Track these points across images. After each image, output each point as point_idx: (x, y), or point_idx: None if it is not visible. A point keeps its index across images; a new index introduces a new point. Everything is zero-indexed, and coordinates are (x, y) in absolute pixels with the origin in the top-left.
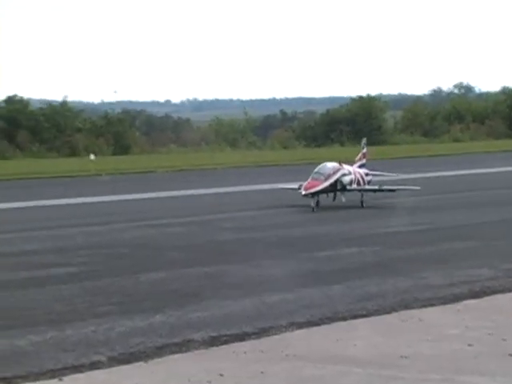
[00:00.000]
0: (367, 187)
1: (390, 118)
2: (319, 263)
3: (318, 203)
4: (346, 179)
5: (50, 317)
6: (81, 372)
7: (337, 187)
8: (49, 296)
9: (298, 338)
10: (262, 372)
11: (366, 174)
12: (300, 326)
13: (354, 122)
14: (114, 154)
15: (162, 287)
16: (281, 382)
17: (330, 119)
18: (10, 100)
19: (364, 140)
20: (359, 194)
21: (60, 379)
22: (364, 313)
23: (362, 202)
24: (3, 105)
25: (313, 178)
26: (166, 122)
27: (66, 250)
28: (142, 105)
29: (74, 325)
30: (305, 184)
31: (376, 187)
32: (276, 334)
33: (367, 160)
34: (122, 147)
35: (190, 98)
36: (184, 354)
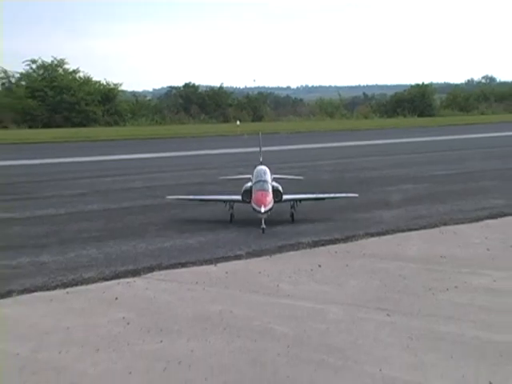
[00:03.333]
0: (305, 196)
1: (438, 99)
2: (388, 194)
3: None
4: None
5: (209, 226)
6: (227, 261)
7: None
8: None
9: (371, 243)
10: (346, 265)
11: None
12: (373, 235)
13: (413, 101)
14: (253, 121)
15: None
16: (360, 270)
17: (396, 99)
18: (186, 85)
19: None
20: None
21: (215, 265)
22: (417, 227)
23: (292, 215)
24: (182, 88)
25: (261, 189)
26: (287, 101)
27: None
28: (271, 89)
29: (221, 231)
30: (257, 196)
31: (315, 196)
32: (357, 240)
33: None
34: (257, 117)
35: (303, 84)
36: (296, 252)
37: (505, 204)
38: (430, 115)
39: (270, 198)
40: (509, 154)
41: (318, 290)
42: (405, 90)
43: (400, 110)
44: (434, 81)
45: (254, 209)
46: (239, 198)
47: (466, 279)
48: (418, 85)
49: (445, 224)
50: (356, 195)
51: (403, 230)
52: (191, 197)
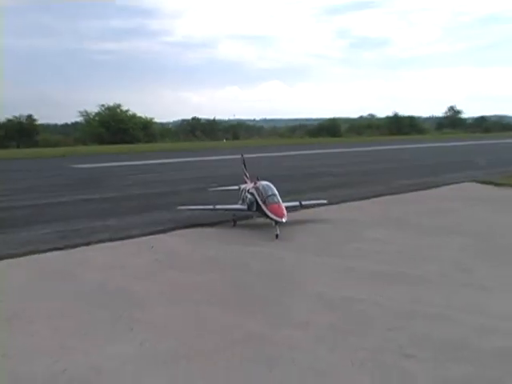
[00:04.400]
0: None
1: (342, 127)
2: (318, 183)
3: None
4: None
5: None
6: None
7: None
8: None
9: (309, 213)
10: (298, 227)
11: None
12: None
13: (328, 128)
14: (233, 139)
15: None
16: (303, 231)
17: (319, 127)
18: (193, 118)
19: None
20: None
21: (212, 227)
22: (334, 202)
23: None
24: (190, 120)
25: (276, 201)
26: (253, 127)
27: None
28: (243, 120)
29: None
30: (274, 208)
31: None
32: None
33: None
34: (236, 137)
35: (264, 117)
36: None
37: (384, 189)
38: (338, 136)
39: (284, 209)
40: (387, 159)
41: (280, 244)
42: (324, 121)
43: (322, 133)
44: (341, 116)
45: (270, 218)
46: (244, 207)
47: (365, 234)
48: (331, 118)
49: (351, 200)
50: (325, 201)
51: (329, 204)
52: (201, 207)
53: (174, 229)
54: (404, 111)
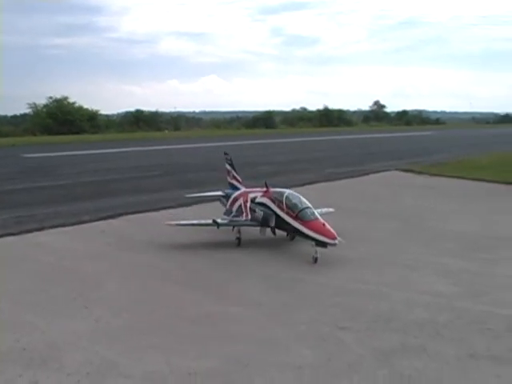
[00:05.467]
0: None
1: (277, 119)
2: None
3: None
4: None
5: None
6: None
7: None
8: None
9: None
10: None
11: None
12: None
13: (264, 120)
14: (174, 130)
15: None
16: None
17: (254, 119)
18: (137, 110)
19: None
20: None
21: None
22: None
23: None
24: (134, 112)
25: (316, 217)
26: (193, 119)
27: None
28: (184, 112)
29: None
30: (318, 227)
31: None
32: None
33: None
34: (177, 128)
35: (203, 109)
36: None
37: (317, 177)
38: (273, 128)
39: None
40: (318, 149)
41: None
42: (259, 114)
43: (257, 124)
44: (275, 108)
45: (312, 239)
46: (253, 223)
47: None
48: (266, 111)
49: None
50: (332, 210)
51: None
52: (196, 222)
53: (122, 214)
54: (333, 105)
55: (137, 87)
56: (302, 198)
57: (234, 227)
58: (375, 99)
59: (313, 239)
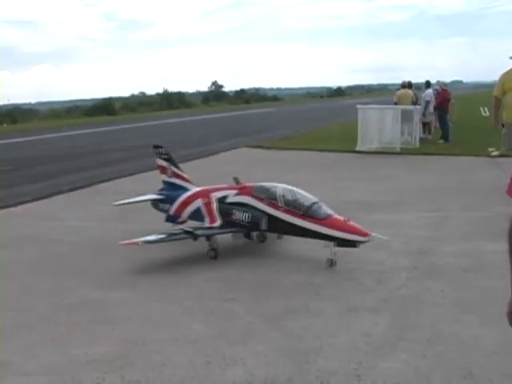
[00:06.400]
0: None
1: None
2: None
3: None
4: None
5: None
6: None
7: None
8: None
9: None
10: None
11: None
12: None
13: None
14: None
15: None
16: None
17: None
18: None
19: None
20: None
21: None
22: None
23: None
24: None
25: (332, 212)
26: None
27: None
28: None
29: None
30: (339, 223)
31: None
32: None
33: None
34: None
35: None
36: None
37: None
38: (114, 115)
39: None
40: (164, 132)
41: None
42: (98, 101)
43: (98, 112)
44: (114, 95)
45: (342, 239)
46: (233, 229)
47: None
48: (105, 98)
49: (143, 172)
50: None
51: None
52: (166, 236)
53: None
54: (172, 88)
55: None
56: (300, 191)
57: (208, 237)
58: (213, 80)
59: (336, 239)
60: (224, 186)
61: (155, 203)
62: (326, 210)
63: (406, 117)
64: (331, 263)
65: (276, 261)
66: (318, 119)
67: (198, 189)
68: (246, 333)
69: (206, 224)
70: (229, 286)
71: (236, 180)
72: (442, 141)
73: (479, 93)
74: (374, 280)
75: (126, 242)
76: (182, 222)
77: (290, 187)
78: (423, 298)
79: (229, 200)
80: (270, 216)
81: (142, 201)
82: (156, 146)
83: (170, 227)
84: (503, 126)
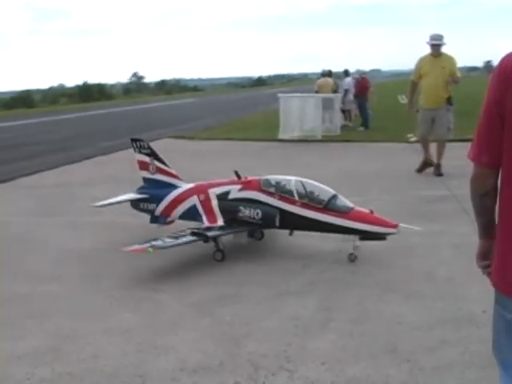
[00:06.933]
0: None
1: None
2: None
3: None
4: None
5: None
6: None
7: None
8: None
9: None
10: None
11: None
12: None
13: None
14: None
15: None
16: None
17: None
18: None
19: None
20: None
21: None
22: None
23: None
24: None
25: (353, 205)
26: None
27: None
28: None
29: None
30: (364, 216)
31: None
32: None
33: None
34: None
35: None
36: None
37: (91, 151)
38: (33, 107)
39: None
40: (86, 123)
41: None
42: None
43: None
44: (32, 87)
45: (369, 233)
46: (244, 228)
47: (86, 193)
48: (23, 90)
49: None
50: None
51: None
52: (175, 239)
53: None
54: (93, 79)
55: None
56: (314, 183)
57: (215, 238)
58: (134, 71)
59: (363, 232)
60: (224, 180)
61: (135, 203)
62: (347, 202)
63: (326, 105)
64: (353, 258)
65: (193, 248)
66: (240, 109)
67: (190, 185)
68: (176, 322)
69: (205, 223)
70: (155, 276)
71: (237, 173)
72: (362, 128)
73: (397, 81)
74: (300, 264)
75: (132, 248)
76: (171, 223)
77: (302, 179)
78: (348, 280)
79: (232, 196)
80: (283, 211)
81: (122, 201)
82: (134, 140)
83: (156, 227)
84: (417, 111)
